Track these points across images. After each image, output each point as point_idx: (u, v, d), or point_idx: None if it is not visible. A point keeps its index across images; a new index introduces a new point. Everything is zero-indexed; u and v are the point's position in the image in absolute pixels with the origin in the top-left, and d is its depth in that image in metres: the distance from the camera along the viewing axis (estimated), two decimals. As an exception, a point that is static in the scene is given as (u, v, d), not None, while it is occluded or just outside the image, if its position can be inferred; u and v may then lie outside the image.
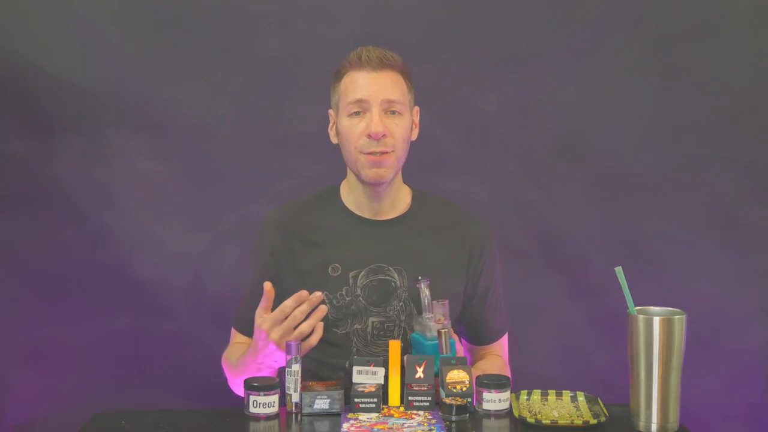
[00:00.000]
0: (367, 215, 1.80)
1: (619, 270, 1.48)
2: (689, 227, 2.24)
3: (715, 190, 2.24)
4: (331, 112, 1.80)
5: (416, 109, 1.80)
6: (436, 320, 1.63)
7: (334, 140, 1.80)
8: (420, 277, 1.68)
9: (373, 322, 1.75)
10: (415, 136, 1.80)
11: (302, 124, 2.19)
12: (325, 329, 1.75)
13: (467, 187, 2.23)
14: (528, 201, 2.25)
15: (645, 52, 2.21)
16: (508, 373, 1.86)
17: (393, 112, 1.71)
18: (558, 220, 2.25)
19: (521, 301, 2.08)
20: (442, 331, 1.62)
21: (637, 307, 1.47)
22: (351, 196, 1.81)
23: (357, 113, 1.71)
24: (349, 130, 1.72)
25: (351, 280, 1.75)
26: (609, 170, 2.24)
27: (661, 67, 2.21)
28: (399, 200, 1.82)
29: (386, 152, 1.70)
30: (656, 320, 1.43)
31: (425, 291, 1.66)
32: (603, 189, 2.25)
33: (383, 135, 1.69)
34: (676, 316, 1.44)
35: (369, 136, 1.69)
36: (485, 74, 2.23)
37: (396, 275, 1.76)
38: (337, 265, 1.76)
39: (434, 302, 1.64)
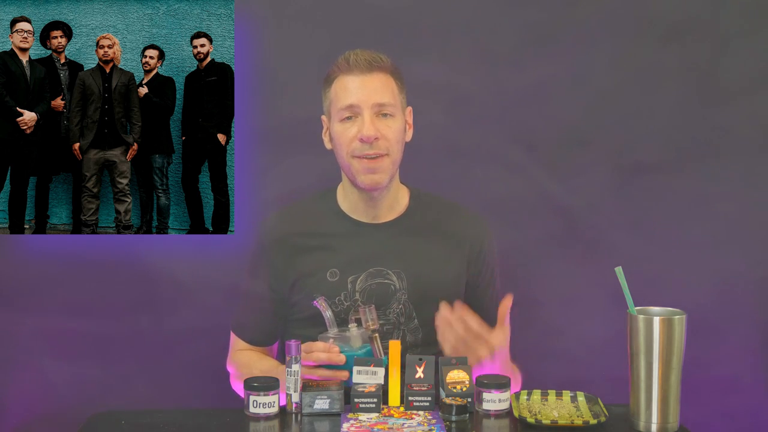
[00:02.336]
0: (364, 219, 1.79)
1: (619, 270, 1.48)
2: (692, 226, 2.25)
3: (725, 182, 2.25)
4: (323, 117, 1.80)
5: (409, 109, 1.79)
6: (365, 326, 1.62)
7: (328, 146, 1.80)
8: (315, 295, 1.69)
9: None
10: (409, 136, 1.79)
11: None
12: (325, 331, 1.75)
13: (481, 176, 2.23)
14: (543, 189, 2.25)
15: (658, 39, 2.21)
16: (514, 370, 1.85)
17: (384, 115, 1.71)
18: (573, 207, 2.25)
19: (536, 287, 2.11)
20: (375, 336, 1.62)
21: (637, 307, 1.47)
22: (347, 200, 1.80)
23: (349, 118, 1.70)
24: (341, 135, 1.71)
25: (349, 285, 1.75)
26: (620, 159, 2.24)
27: (675, 56, 2.21)
28: (397, 202, 1.81)
29: (380, 155, 1.69)
30: (656, 320, 1.43)
31: (324, 307, 1.66)
32: (616, 177, 2.25)
33: (375, 138, 1.68)
34: (676, 316, 1.44)
35: (361, 140, 1.68)
36: (497, 63, 2.22)
37: (395, 278, 1.75)
38: (335, 270, 1.76)
39: (361, 308, 1.64)
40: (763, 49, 2.22)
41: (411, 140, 1.80)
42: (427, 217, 1.82)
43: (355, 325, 1.64)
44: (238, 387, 1.83)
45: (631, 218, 2.24)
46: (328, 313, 1.66)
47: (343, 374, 1.56)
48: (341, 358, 1.57)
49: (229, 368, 1.85)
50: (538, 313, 2.23)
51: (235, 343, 1.86)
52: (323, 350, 1.58)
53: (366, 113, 1.69)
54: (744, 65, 2.21)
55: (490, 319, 1.86)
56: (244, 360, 1.81)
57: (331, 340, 1.61)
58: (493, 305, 1.86)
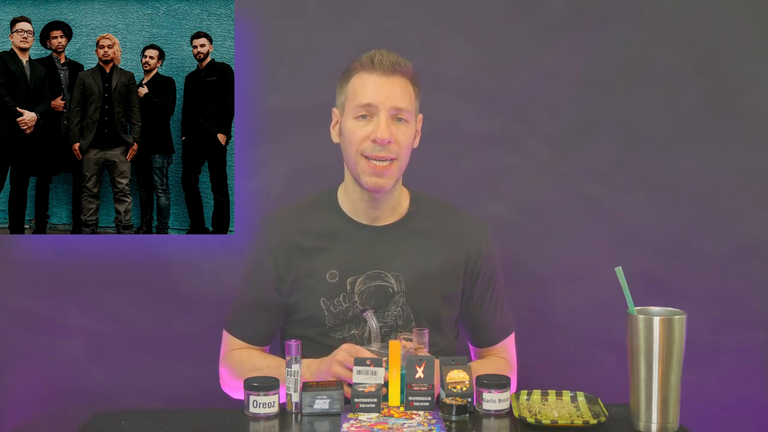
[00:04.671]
0: (364, 221, 1.80)
1: (619, 270, 1.48)
2: (692, 225, 2.25)
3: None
4: (335, 110, 1.80)
5: (420, 116, 1.80)
6: (416, 349, 1.60)
7: (335, 139, 1.80)
8: (366, 307, 1.70)
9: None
10: (416, 143, 1.80)
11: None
12: (323, 334, 1.75)
13: (495, 161, 2.24)
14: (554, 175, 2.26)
15: (666, 20, 2.22)
16: (510, 373, 1.86)
17: (399, 120, 1.71)
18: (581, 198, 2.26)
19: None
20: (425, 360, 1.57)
21: (637, 307, 1.47)
22: (348, 200, 1.80)
23: (363, 116, 1.71)
24: (354, 133, 1.71)
25: (348, 287, 1.75)
26: (625, 152, 2.24)
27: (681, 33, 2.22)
28: (399, 204, 1.82)
29: (389, 159, 1.69)
30: (656, 320, 1.43)
31: (373, 320, 1.66)
32: (622, 171, 2.25)
33: (389, 141, 1.68)
34: (676, 316, 1.44)
35: (374, 141, 1.69)
36: (507, 52, 2.22)
37: (393, 281, 1.75)
38: (335, 271, 1.75)
39: (416, 329, 1.62)
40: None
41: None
42: (426, 221, 1.82)
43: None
44: (229, 388, 1.83)
45: (631, 220, 2.25)
46: (375, 326, 1.66)
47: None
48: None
49: (223, 369, 1.84)
50: (540, 309, 2.25)
51: (230, 342, 1.85)
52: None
53: (382, 115, 1.69)
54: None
55: (489, 324, 1.87)
56: (244, 357, 1.81)
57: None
58: (492, 311, 1.86)
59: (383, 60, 1.70)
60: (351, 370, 1.55)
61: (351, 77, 1.73)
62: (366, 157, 1.70)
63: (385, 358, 1.55)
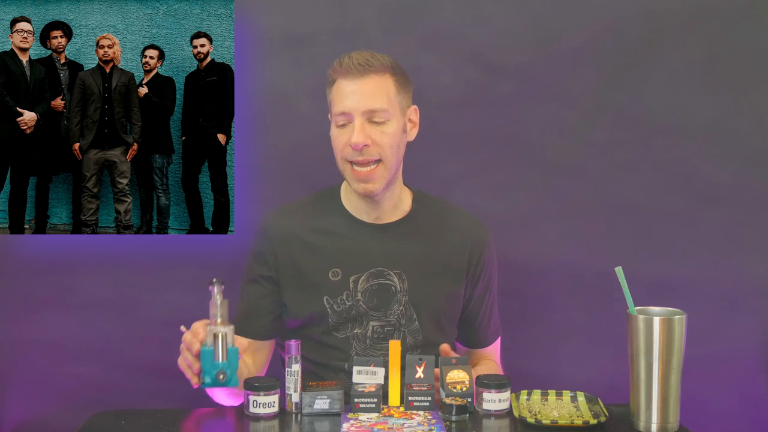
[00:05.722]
0: (366, 219, 1.79)
1: (619, 270, 1.48)
2: (692, 225, 2.25)
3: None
4: (329, 116, 1.80)
5: (414, 108, 1.77)
6: (213, 321, 1.40)
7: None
8: (214, 279, 1.42)
9: (373, 326, 1.75)
10: (412, 136, 1.78)
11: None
12: (326, 333, 1.75)
13: (495, 158, 2.24)
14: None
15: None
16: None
17: (377, 122, 1.68)
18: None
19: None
20: (218, 333, 1.40)
21: (637, 307, 1.48)
22: (349, 199, 1.81)
23: (343, 125, 1.70)
24: (336, 140, 1.72)
25: (351, 285, 1.75)
26: (624, 156, 2.24)
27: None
28: (401, 202, 1.81)
29: (370, 162, 1.68)
30: (656, 320, 1.43)
31: (216, 296, 1.41)
32: (620, 175, 2.25)
33: (365, 145, 1.67)
34: (676, 316, 1.44)
35: (351, 147, 1.68)
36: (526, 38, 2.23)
37: (396, 279, 1.75)
38: (337, 269, 1.75)
39: (211, 301, 1.40)
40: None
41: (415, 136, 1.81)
42: (429, 220, 1.82)
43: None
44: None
45: (632, 218, 2.25)
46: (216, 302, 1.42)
47: (192, 372, 1.44)
48: (195, 347, 1.43)
49: None
50: (541, 311, 2.24)
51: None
52: (193, 333, 1.45)
53: (357, 120, 1.67)
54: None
55: (483, 326, 1.87)
56: None
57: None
58: (488, 313, 1.87)
59: (352, 62, 1.68)
60: (190, 352, 1.44)
61: (332, 84, 1.73)
62: (350, 163, 1.70)
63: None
